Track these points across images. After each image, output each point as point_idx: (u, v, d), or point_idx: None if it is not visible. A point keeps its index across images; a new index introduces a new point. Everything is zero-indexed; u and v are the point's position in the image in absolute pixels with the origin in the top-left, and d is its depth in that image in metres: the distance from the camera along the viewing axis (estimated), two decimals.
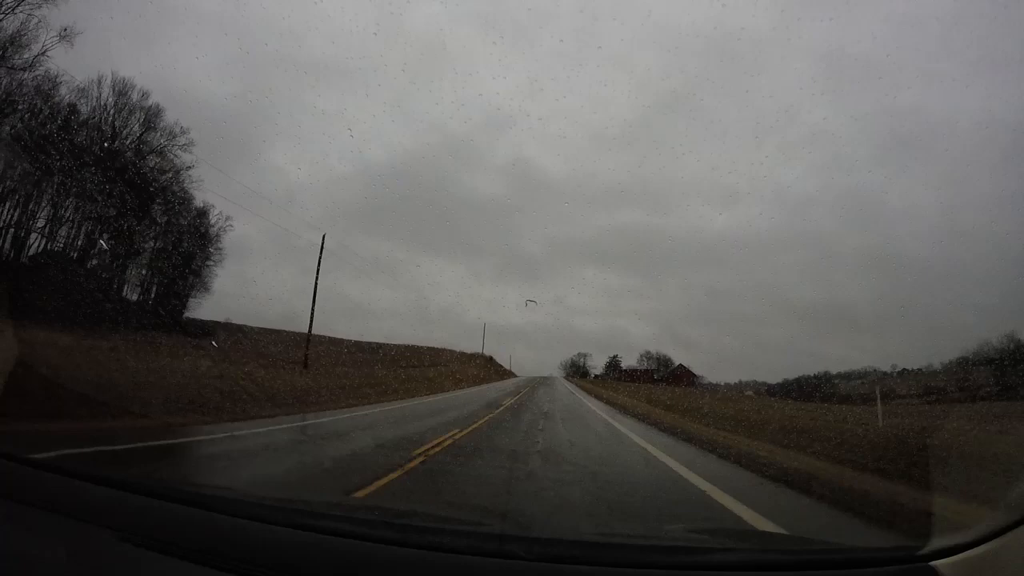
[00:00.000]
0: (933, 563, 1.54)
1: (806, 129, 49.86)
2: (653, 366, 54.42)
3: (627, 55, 53.67)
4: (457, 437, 8.60)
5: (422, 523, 2.09)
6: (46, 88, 26.82)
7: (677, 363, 52.11)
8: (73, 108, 28.51)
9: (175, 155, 32.06)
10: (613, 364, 59.31)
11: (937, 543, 1.59)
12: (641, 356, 55.46)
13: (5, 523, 1.70)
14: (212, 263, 35.63)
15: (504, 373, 53.05)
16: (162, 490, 1.90)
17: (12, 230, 26.82)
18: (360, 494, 4.68)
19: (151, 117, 31.32)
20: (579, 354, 65.99)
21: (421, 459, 6.40)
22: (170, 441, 7.05)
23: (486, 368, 46.39)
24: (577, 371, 63.53)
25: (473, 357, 47.74)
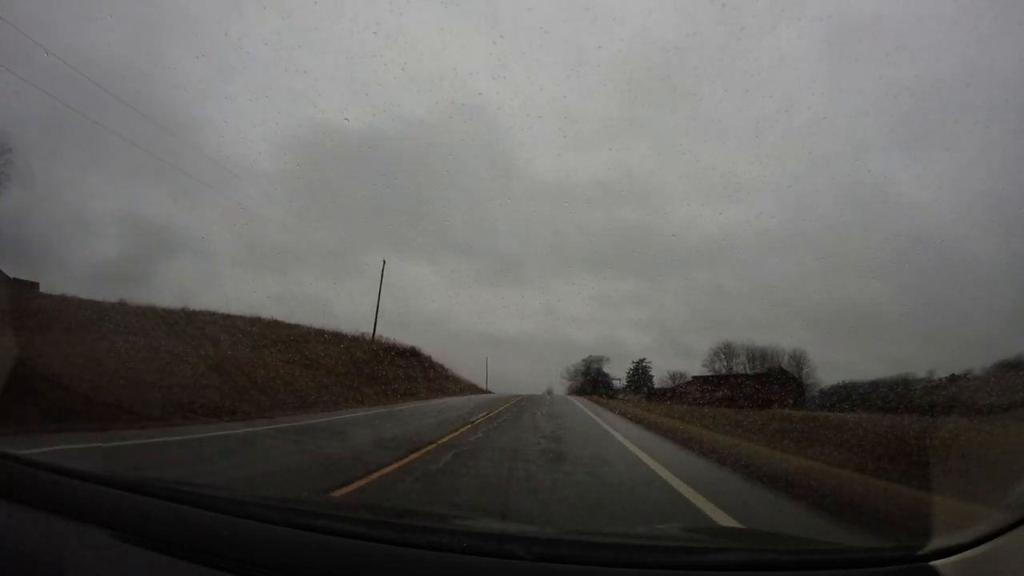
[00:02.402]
0: (933, 563, 1.54)
1: (809, 120, 47.31)
2: (730, 367, 34.48)
3: (626, 55, 53.28)
4: None
5: (422, 523, 2.09)
6: None
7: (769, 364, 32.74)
8: None
9: None
10: (640, 371, 40.84)
11: (937, 543, 1.59)
12: (713, 353, 35.98)
13: (2, 523, 1.70)
14: None
15: (444, 389, 30.08)
16: (162, 490, 1.90)
17: None
18: None
19: None
20: (591, 358, 45.80)
21: None
22: None
23: (368, 370, 23.27)
24: (594, 384, 43.78)
25: (332, 340, 25.34)
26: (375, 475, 5.57)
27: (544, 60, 54.93)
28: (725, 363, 37.46)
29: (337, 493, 4.68)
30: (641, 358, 43.90)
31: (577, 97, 45.64)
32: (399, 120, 49.18)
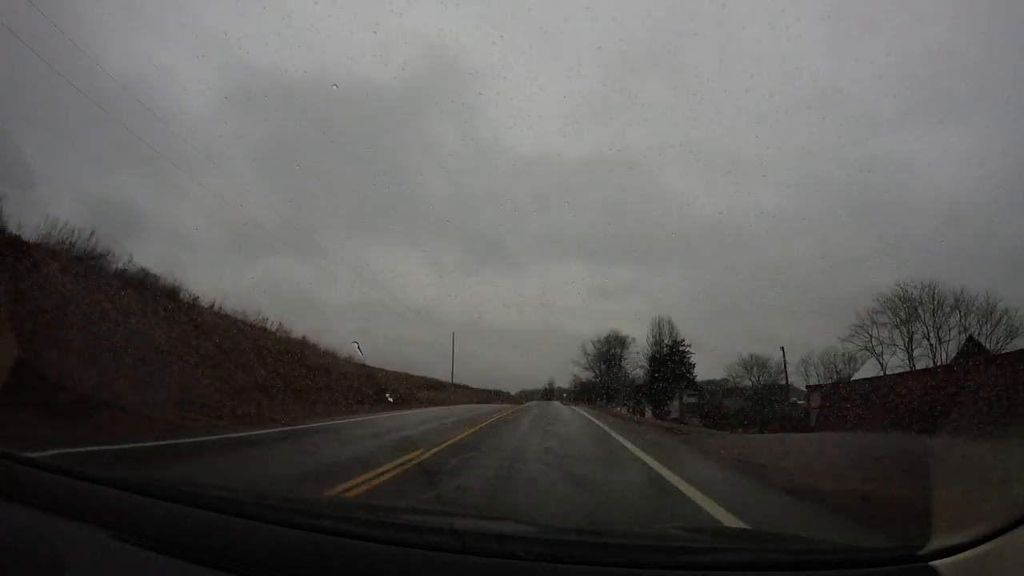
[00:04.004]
0: (933, 563, 1.54)
1: (816, 92, 45.00)
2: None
3: (626, 54, 53.17)
4: None
5: (422, 523, 2.10)
6: None
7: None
8: None
9: None
10: (677, 358, 27.40)
11: (937, 543, 1.59)
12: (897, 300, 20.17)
13: (2, 523, 1.70)
14: None
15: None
16: (162, 490, 1.90)
17: None
18: None
19: None
20: (607, 338, 32.45)
21: None
22: None
23: None
24: (612, 386, 30.35)
25: None
26: None
27: (544, 59, 55.02)
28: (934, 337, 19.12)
29: None
30: (678, 339, 28.84)
31: (578, 97, 45.70)
32: (399, 117, 48.91)
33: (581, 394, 41.42)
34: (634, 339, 34.17)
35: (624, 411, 29.96)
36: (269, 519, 1.72)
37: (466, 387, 41.69)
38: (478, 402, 36.07)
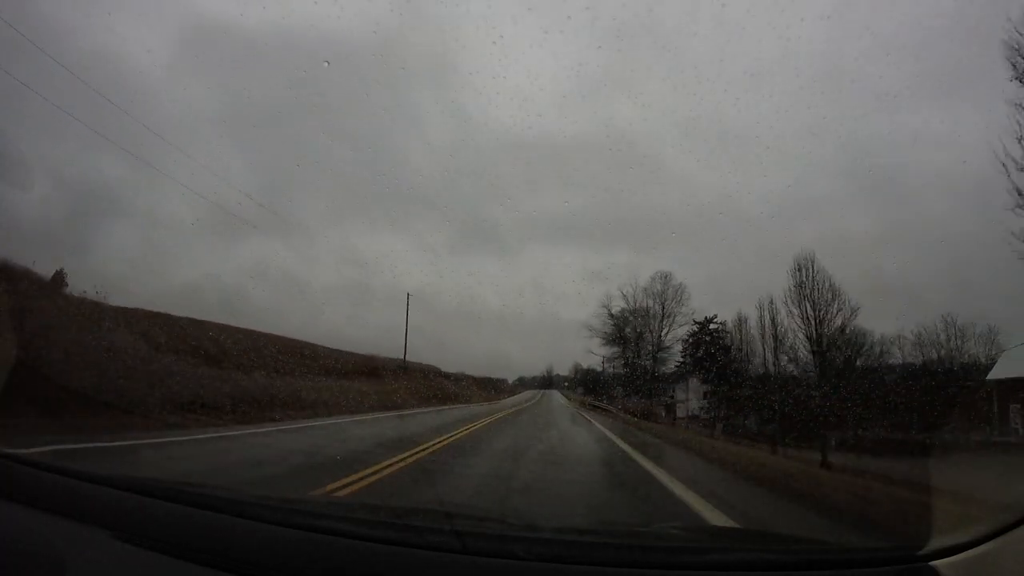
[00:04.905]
0: (933, 563, 1.54)
1: (817, 91, 43.11)
2: None
3: (627, 55, 52.95)
4: None
5: (422, 523, 2.10)
6: None
7: None
8: None
9: None
10: (710, 340, 20.49)
11: (937, 543, 1.59)
12: None
13: (2, 523, 1.70)
14: None
15: None
16: (162, 490, 1.90)
17: None
18: None
19: None
20: (663, 276, 22.39)
21: None
22: None
23: None
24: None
25: None
26: None
27: (544, 59, 55.00)
28: None
29: None
30: (710, 315, 20.33)
31: (577, 97, 45.55)
32: (398, 116, 48.57)
33: (585, 385, 32.38)
34: (687, 288, 22.76)
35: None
36: (269, 519, 1.72)
37: (464, 375, 39.80)
38: (428, 400, 26.79)
